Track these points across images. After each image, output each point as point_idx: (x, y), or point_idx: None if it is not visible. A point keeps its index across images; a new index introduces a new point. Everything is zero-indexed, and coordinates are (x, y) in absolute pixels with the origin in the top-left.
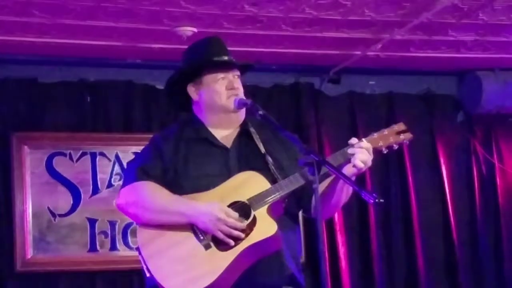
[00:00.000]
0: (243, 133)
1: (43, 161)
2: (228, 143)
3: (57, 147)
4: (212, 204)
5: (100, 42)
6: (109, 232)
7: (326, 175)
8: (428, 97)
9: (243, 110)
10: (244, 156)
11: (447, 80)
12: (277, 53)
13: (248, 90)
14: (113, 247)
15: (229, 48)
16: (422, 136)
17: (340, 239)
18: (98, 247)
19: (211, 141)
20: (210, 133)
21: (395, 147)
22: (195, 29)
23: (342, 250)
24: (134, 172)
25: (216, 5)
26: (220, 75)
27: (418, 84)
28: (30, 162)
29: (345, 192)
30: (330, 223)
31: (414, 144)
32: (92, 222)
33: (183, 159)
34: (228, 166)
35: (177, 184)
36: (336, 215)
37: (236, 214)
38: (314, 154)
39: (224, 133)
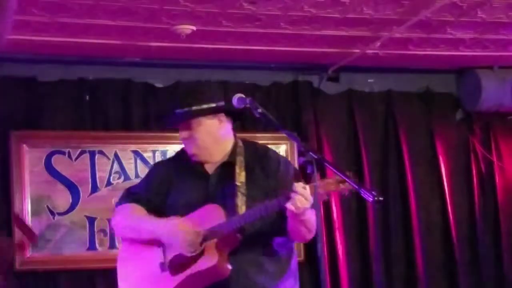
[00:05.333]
0: (228, 162)
1: (42, 159)
2: (211, 170)
3: (56, 146)
4: (173, 223)
5: (99, 40)
6: (108, 231)
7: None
8: (427, 95)
9: (212, 149)
10: (222, 184)
11: (446, 78)
12: (276, 51)
13: (247, 88)
14: (112, 245)
15: (228, 47)
16: (421, 134)
17: (339, 237)
18: (97, 246)
19: (195, 169)
20: (200, 163)
21: (345, 195)
22: (193, 27)
23: (341, 249)
24: (125, 195)
25: (214, 3)
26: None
27: (417, 82)
28: (29, 161)
29: (294, 226)
30: (329, 222)
31: (413, 141)
32: (91, 220)
33: (168, 187)
34: (208, 192)
35: (160, 210)
36: (335, 214)
37: (193, 232)
38: (313, 152)
39: (210, 164)
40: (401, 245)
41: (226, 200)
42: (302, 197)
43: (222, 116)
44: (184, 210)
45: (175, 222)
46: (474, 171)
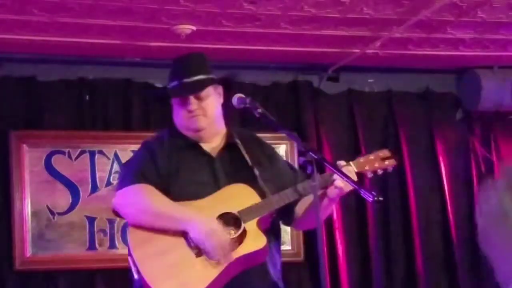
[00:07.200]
0: (229, 145)
1: (42, 159)
2: (214, 153)
3: (56, 146)
4: (208, 219)
5: (98, 40)
6: (108, 231)
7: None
8: (427, 95)
9: (217, 125)
10: (231, 167)
11: (446, 78)
12: (276, 51)
13: (247, 88)
14: (112, 245)
15: (228, 47)
16: (421, 134)
17: (338, 237)
18: (97, 245)
19: (199, 148)
20: (197, 142)
21: (380, 172)
22: (193, 27)
23: (340, 248)
24: (132, 174)
25: (215, 3)
26: (177, 98)
27: (417, 82)
28: (29, 161)
29: (328, 210)
30: (329, 221)
31: (413, 141)
32: (91, 220)
33: (175, 166)
34: (216, 175)
35: (168, 190)
36: (335, 213)
37: (227, 236)
38: (313, 152)
39: (208, 145)
40: (401, 245)
41: (244, 182)
42: (350, 174)
43: (221, 89)
44: (194, 190)
45: (205, 220)
46: (473, 171)
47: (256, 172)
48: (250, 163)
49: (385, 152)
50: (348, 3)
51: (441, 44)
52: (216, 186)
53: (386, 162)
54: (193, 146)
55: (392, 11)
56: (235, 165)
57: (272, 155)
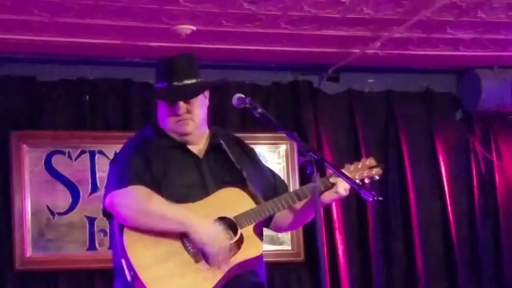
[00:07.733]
0: (215, 147)
1: (42, 159)
2: (200, 155)
3: (56, 146)
4: (211, 223)
5: (99, 40)
6: (108, 231)
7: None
8: (427, 95)
9: (202, 128)
10: (217, 168)
11: (446, 78)
12: (276, 51)
13: (247, 88)
14: None
15: (228, 47)
16: (421, 134)
17: (338, 237)
18: (97, 245)
19: (185, 149)
20: (184, 144)
21: (367, 180)
22: (194, 27)
23: (340, 248)
24: (127, 175)
25: (215, 3)
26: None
27: (417, 82)
28: (29, 161)
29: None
30: (329, 221)
31: (413, 141)
32: (91, 220)
33: (162, 167)
34: (203, 177)
35: (159, 191)
36: (335, 213)
37: (227, 241)
38: (313, 152)
39: (195, 147)
40: (401, 245)
41: (232, 184)
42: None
43: (208, 92)
44: (182, 191)
45: (208, 224)
46: (474, 171)
47: (244, 173)
48: (237, 165)
49: (371, 161)
50: (348, 3)
51: (441, 44)
52: (203, 187)
53: (373, 171)
54: (180, 147)
55: (392, 11)
56: (221, 166)
57: (253, 155)
